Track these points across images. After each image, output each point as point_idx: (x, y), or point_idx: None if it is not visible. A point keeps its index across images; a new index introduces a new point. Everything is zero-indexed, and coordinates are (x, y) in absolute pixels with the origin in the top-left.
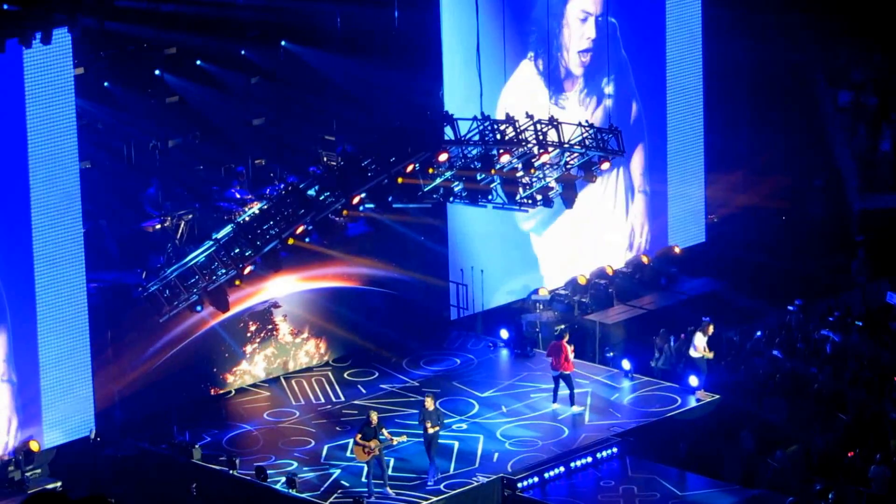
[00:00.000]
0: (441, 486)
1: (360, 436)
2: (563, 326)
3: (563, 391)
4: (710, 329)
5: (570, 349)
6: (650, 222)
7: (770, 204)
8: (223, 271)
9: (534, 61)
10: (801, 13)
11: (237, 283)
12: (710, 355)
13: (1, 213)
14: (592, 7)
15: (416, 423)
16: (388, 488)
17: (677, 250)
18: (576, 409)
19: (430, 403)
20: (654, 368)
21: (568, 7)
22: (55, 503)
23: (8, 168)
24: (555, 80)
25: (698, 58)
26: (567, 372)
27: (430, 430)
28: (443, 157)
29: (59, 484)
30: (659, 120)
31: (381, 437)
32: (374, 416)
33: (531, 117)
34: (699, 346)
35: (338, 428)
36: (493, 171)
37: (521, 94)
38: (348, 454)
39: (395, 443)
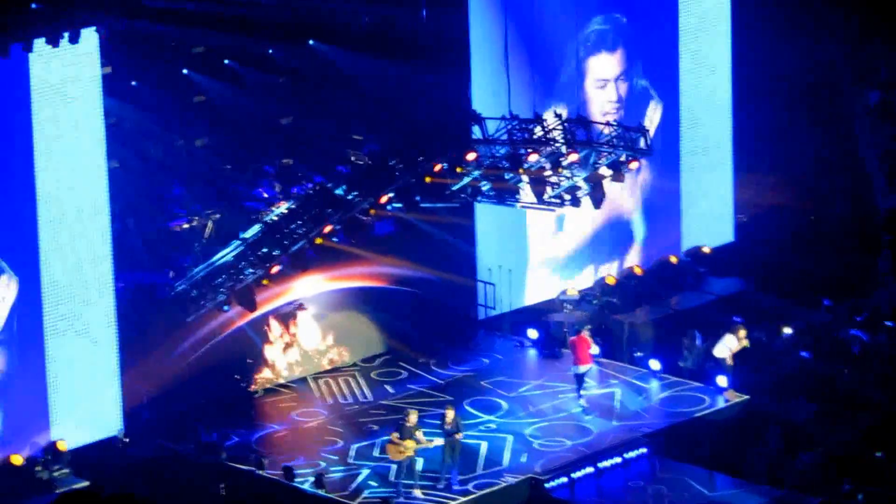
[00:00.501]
0: (469, 487)
1: (396, 435)
2: (582, 318)
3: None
4: (742, 332)
5: (590, 340)
6: (669, 221)
7: (798, 203)
8: (250, 271)
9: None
10: (831, 12)
11: (264, 282)
12: (731, 360)
13: (30, 213)
14: (611, 71)
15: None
16: (416, 490)
17: (706, 250)
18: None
19: (450, 415)
20: (683, 369)
21: (587, 81)
22: (86, 502)
23: (27, 168)
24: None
25: (727, 57)
26: (588, 366)
27: (452, 438)
28: (471, 156)
29: (86, 484)
30: (683, 119)
31: (416, 439)
32: (414, 417)
33: (559, 116)
34: (728, 346)
35: (372, 426)
36: (520, 171)
37: None
38: (376, 454)
39: (430, 446)
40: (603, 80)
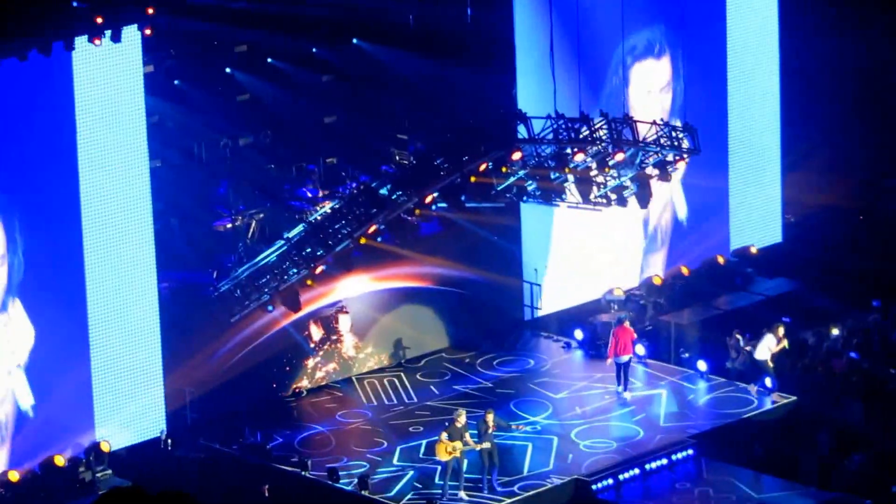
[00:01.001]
0: (515, 488)
1: (445, 434)
2: (622, 313)
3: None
4: (781, 331)
5: (632, 330)
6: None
7: (848, 203)
8: (294, 271)
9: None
10: (881, 8)
11: (309, 282)
12: (772, 361)
13: (73, 213)
14: (658, 77)
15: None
16: (462, 492)
17: (753, 250)
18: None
19: (490, 419)
20: (730, 369)
21: (632, 87)
22: (132, 499)
23: (72, 167)
24: None
25: (775, 54)
26: (629, 356)
27: (486, 444)
28: (516, 155)
29: (129, 485)
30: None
31: (464, 441)
32: (462, 417)
33: (605, 115)
34: (768, 347)
35: (411, 429)
36: (566, 170)
37: None
38: (421, 455)
39: (478, 448)
40: (649, 85)
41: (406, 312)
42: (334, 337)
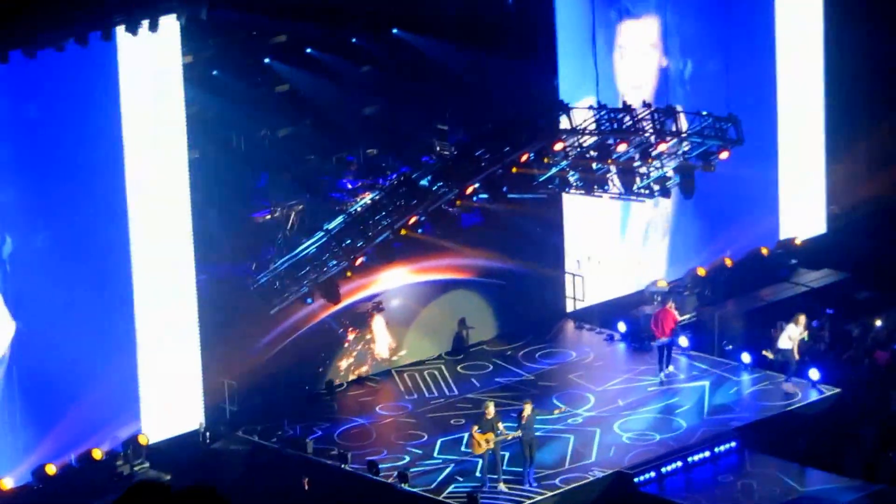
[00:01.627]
0: (556, 481)
1: (476, 428)
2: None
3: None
4: (802, 319)
5: (675, 313)
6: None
7: (892, 193)
8: (334, 263)
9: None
10: None
11: (348, 274)
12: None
13: (111, 204)
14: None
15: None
16: (501, 484)
17: (797, 242)
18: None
19: (528, 409)
20: (773, 361)
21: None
22: (157, 494)
23: (116, 158)
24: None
25: (820, 45)
26: (668, 338)
27: (519, 434)
28: (558, 146)
29: (167, 477)
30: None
31: (496, 431)
32: (491, 409)
33: (648, 106)
34: (789, 337)
35: (452, 422)
36: (609, 161)
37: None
38: (463, 448)
39: (510, 438)
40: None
41: (447, 304)
42: (374, 329)
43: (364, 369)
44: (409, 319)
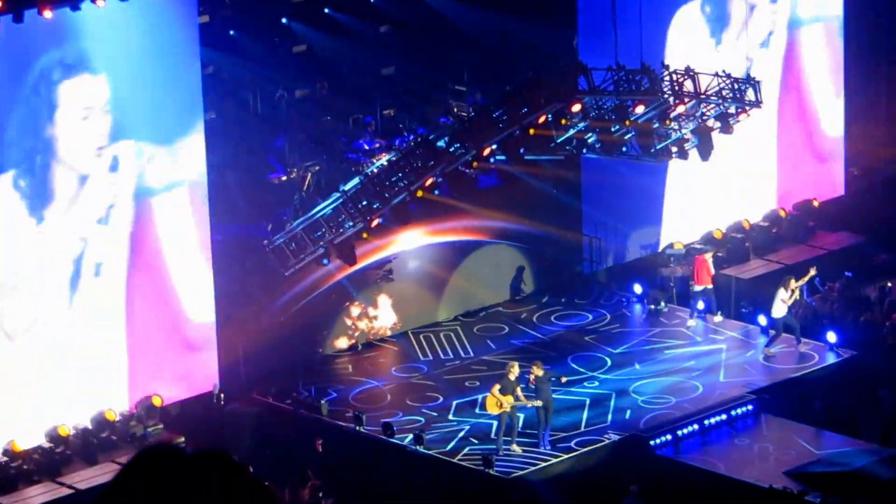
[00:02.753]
0: (572, 444)
1: (497, 387)
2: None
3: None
4: (792, 283)
5: (709, 263)
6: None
7: None
8: (350, 224)
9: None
10: None
11: (364, 235)
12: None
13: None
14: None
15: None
16: (514, 445)
17: (816, 203)
18: (717, 317)
19: (537, 371)
20: (790, 324)
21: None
22: (169, 456)
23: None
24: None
25: (838, 7)
26: (704, 286)
27: (538, 402)
28: (576, 107)
29: (182, 439)
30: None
31: (515, 395)
32: (515, 369)
33: (666, 67)
34: (782, 300)
35: (467, 384)
36: (627, 123)
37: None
38: (478, 410)
39: (529, 405)
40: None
41: (463, 266)
42: (390, 291)
43: (380, 331)
44: (425, 281)
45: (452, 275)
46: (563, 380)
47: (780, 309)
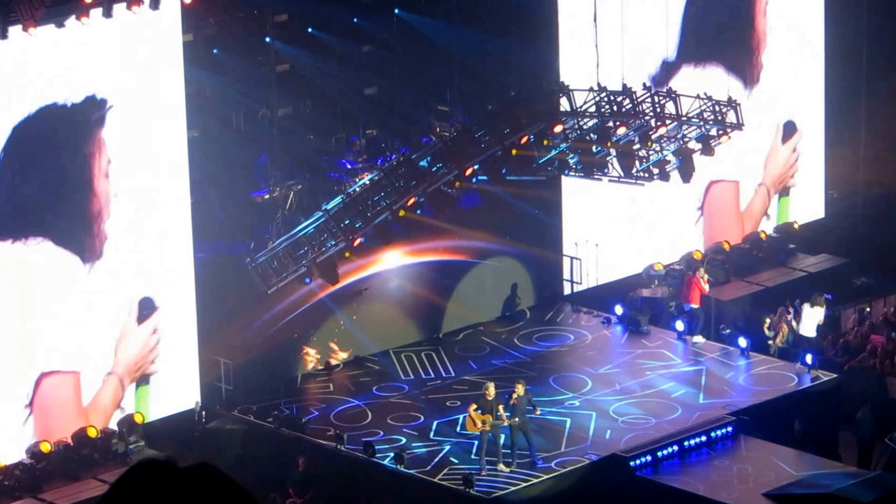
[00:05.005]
0: (553, 464)
1: (474, 407)
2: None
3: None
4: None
5: (702, 282)
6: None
7: (891, 179)
8: (333, 243)
9: None
10: None
11: (347, 255)
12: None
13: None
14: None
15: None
16: (501, 465)
17: (796, 226)
18: (698, 338)
19: (519, 390)
20: (770, 346)
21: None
22: (162, 469)
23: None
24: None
25: (820, 28)
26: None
27: (518, 419)
28: (558, 128)
29: (161, 455)
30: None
31: (496, 414)
32: (492, 389)
33: (648, 89)
34: (817, 320)
35: (448, 403)
36: (608, 144)
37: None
38: (458, 430)
39: (507, 423)
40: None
41: (444, 285)
42: (371, 310)
43: (361, 350)
44: (407, 300)
45: (434, 294)
46: (538, 411)
47: (810, 328)
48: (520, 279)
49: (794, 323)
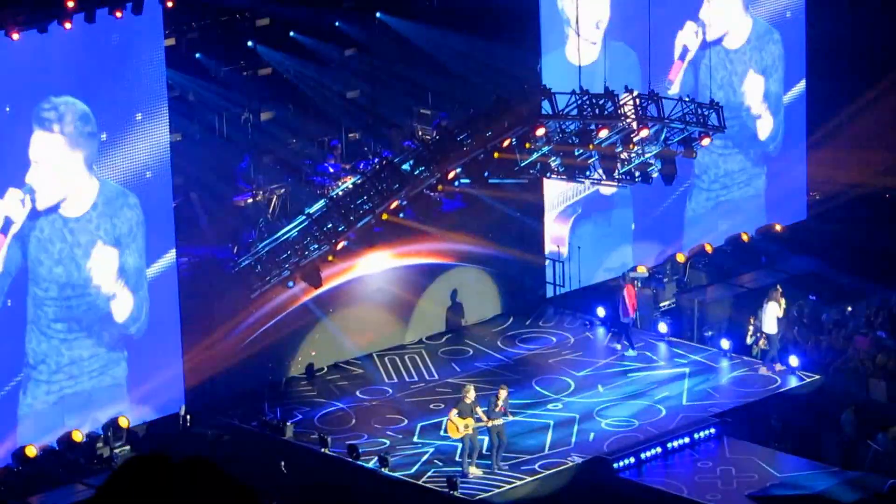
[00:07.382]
0: (536, 466)
1: (455, 412)
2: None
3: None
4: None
5: (634, 293)
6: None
7: (873, 181)
8: (315, 247)
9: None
10: None
11: (330, 258)
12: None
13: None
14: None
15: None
16: (472, 467)
17: (778, 228)
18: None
19: (502, 395)
20: (753, 348)
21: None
22: (156, 465)
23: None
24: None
25: (801, 31)
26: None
27: (498, 421)
28: (540, 131)
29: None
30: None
31: (475, 416)
32: (471, 393)
33: (630, 91)
34: (775, 316)
35: (432, 406)
36: (590, 147)
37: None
38: (442, 433)
39: (488, 424)
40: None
41: (428, 288)
42: (355, 313)
43: (345, 353)
44: (390, 304)
45: (417, 297)
46: (510, 416)
47: (771, 325)
48: (501, 282)
49: (759, 322)
